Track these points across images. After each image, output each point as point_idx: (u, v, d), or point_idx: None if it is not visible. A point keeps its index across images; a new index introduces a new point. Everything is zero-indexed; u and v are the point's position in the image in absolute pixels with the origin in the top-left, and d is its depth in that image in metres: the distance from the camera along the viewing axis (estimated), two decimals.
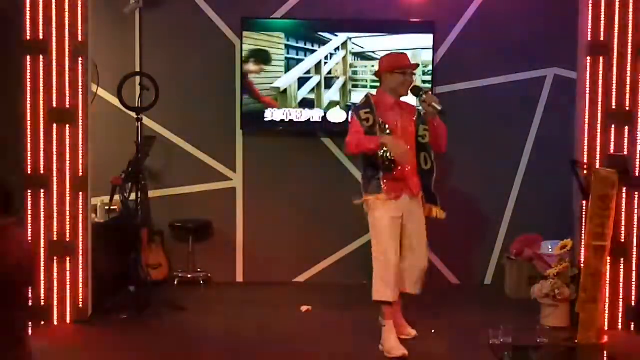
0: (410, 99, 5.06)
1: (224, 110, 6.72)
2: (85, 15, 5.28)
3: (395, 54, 5.14)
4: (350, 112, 5.55)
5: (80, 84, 5.29)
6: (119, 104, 5.89)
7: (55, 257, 5.27)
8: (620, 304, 5.28)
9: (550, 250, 5.74)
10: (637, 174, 5.28)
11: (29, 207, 5.23)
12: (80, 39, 5.28)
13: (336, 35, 6.56)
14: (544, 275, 5.46)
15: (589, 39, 5.30)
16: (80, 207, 5.29)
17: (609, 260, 5.12)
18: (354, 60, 6.60)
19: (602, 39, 5.27)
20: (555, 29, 6.58)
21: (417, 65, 5.25)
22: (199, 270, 6.62)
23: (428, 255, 5.06)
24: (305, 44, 6.57)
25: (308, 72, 6.59)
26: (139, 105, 6.08)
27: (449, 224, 6.74)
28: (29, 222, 5.22)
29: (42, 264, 5.24)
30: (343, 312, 5.79)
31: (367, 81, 6.59)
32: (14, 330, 3.00)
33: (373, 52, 6.55)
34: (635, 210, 5.26)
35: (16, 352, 2.97)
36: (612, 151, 5.27)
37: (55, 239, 5.26)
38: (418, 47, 6.53)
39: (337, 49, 6.58)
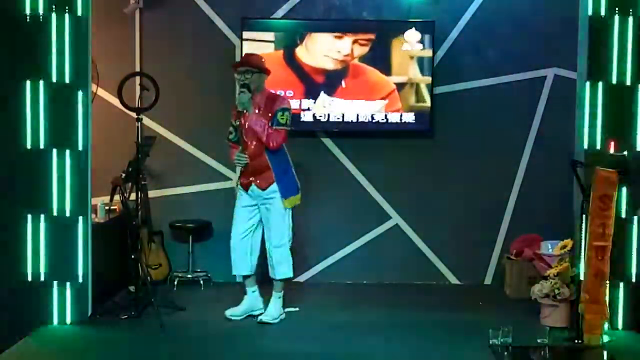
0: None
1: (224, 110, 6.69)
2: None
3: None
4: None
5: None
6: (119, 104, 5.88)
7: (55, 257, 5.26)
8: (621, 303, 5.28)
9: (550, 250, 5.74)
10: None
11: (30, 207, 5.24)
12: None
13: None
14: (544, 275, 5.46)
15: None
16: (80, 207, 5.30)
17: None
18: None
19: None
20: (555, 29, 6.57)
21: (238, 64, 5.53)
22: (199, 270, 6.63)
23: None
24: None
25: None
26: (139, 105, 6.08)
27: (449, 224, 6.81)
28: (30, 222, 5.23)
29: (42, 263, 5.24)
30: (343, 312, 5.79)
31: None
32: None
33: None
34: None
35: None
36: (612, 151, 5.26)
37: (55, 238, 5.26)
38: (417, 47, 6.54)
39: None
